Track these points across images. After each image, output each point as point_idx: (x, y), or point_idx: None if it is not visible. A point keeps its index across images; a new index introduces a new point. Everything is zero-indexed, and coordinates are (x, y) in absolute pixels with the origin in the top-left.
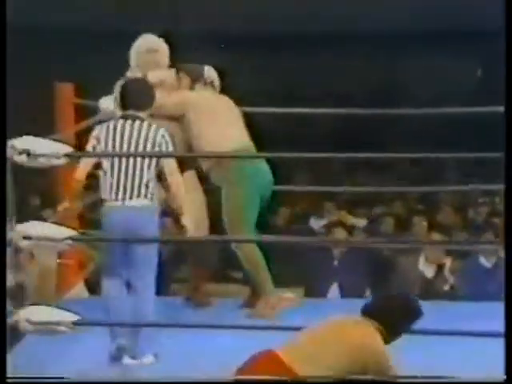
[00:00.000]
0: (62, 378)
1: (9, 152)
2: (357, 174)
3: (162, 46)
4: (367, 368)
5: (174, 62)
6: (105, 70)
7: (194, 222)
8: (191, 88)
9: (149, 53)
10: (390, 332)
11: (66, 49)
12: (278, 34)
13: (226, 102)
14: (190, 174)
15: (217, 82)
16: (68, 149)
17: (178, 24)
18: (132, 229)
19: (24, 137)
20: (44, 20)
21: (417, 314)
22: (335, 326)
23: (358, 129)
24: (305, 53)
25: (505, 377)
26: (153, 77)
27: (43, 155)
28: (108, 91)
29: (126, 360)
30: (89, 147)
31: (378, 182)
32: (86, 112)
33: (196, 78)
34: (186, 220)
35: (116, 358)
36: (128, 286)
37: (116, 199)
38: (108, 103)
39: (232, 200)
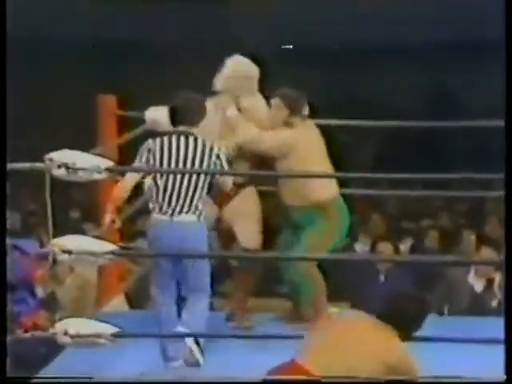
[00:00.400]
0: (63, 377)
1: (47, 165)
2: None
3: (256, 72)
4: (392, 371)
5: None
6: (148, 82)
7: (247, 235)
8: (288, 122)
9: (245, 79)
10: (403, 330)
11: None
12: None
13: (319, 138)
14: (250, 190)
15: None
16: (109, 163)
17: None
18: (178, 243)
19: (63, 150)
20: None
21: (426, 311)
22: (355, 330)
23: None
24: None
25: (505, 377)
26: (247, 103)
27: (83, 169)
28: (151, 103)
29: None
30: (142, 159)
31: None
32: (128, 124)
33: (295, 111)
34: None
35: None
36: (181, 299)
37: (165, 213)
38: (154, 114)
39: (325, 237)
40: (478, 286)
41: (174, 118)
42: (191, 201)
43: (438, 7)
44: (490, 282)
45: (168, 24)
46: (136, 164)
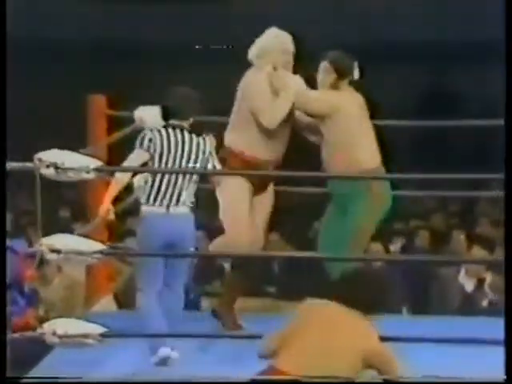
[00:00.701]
0: (63, 377)
1: (36, 165)
2: None
3: (293, 47)
4: (372, 359)
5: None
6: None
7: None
8: (335, 85)
9: (285, 54)
10: (371, 313)
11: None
12: None
13: (363, 104)
14: (270, 190)
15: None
16: (98, 162)
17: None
18: (173, 235)
19: (52, 150)
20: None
21: (387, 287)
22: (330, 326)
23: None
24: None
25: (505, 377)
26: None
27: (72, 169)
28: (140, 102)
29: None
30: (143, 146)
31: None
32: (118, 124)
33: (343, 75)
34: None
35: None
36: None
37: (161, 205)
38: (143, 113)
39: (371, 216)
40: (469, 285)
41: (168, 113)
42: (186, 193)
43: (438, 7)
44: (480, 282)
45: (168, 24)
46: (136, 151)
